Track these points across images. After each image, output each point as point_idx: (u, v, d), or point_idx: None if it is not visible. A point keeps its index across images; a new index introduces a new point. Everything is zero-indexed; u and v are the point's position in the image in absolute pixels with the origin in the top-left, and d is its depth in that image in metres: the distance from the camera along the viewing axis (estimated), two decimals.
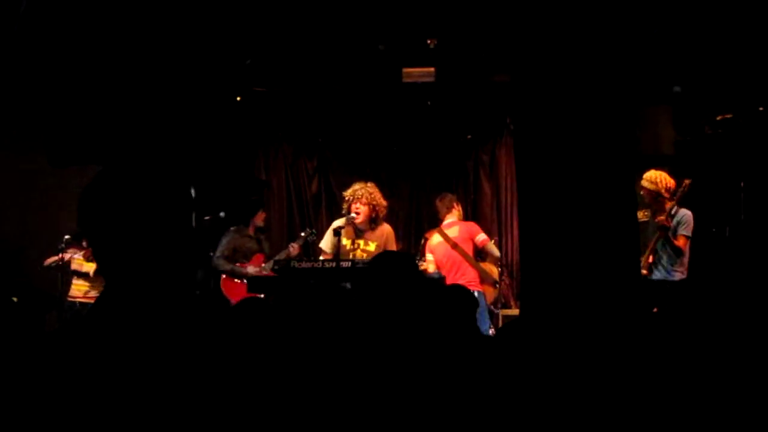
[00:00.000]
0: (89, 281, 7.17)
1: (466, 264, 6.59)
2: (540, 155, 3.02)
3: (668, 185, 6.00)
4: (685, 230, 5.83)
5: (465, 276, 6.50)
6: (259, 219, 7.03)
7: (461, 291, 3.33)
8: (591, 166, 2.93)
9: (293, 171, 8.87)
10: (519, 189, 3.31)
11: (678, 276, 5.88)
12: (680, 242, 5.78)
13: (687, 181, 5.78)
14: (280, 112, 8.42)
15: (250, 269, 6.76)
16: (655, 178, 5.95)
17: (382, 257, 3.05)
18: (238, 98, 7.59)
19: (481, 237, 6.69)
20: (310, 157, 8.91)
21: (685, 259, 5.90)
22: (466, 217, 8.75)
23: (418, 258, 6.92)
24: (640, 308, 3.08)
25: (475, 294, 6.03)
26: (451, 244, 6.67)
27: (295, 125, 8.67)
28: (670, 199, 5.88)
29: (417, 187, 9.02)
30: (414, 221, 8.94)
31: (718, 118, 6.69)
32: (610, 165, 2.96)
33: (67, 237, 6.94)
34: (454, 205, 6.89)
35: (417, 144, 8.82)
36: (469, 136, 8.82)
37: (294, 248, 6.92)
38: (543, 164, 3.00)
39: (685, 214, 5.84)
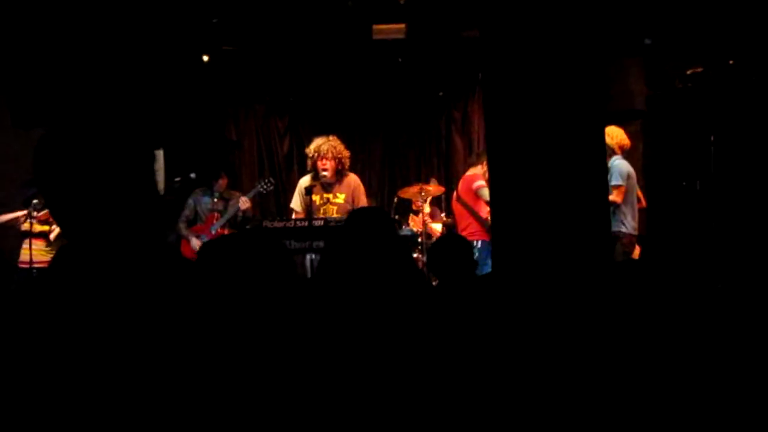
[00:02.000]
0: (49, 245, 6.79)
1: (467, 215, 6.57)
2: (509, 111, 2.99)
3: (622, 143, 6.08)
4: (614, 180, 5.88)
5: (468, 228, 6.52)
6: (221, 185, 6.79)
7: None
8: (561, 121, 2.91)
9: (264, 131, 8.79)
10: (488, 146, 3.29)
11: (626, 228, 5.94)
12: (611, 196, 5.78)
13: None
14: (249, 72, 8.30)
15: (193, 241, 6.58)
16: (611, 132, 5.99)
17: (357, 214, 3.02)
18: (205, 57, 7.46)
19: (477, 183, 6.52)
20: (281, 116, 8.83)
21: (625, 208, 5.95)
22: (439, 177, 8.76)
23: (391, 214, 6.93)
24: (607, 261, 3.09)
25: (477, 244, 6.18)
26: (455, 197, 6.76)
27: (265, 84, 8.57)
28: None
29: (389, 145, 9.00)
30: (387, 179, 8.93)
31: (689, 72, 6.69)
32: (580, 119, 2.94)
33: (35, 201, 6.74)
34: (476, 159, 6.80)
35: (389, 102, 8.76)
36: (441, 93, 8.77)
37: (244, 202, 6.61)
38: (512, 120, 2.98)
39: (614, 164, 5.91)
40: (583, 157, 2.93)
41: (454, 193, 6.83)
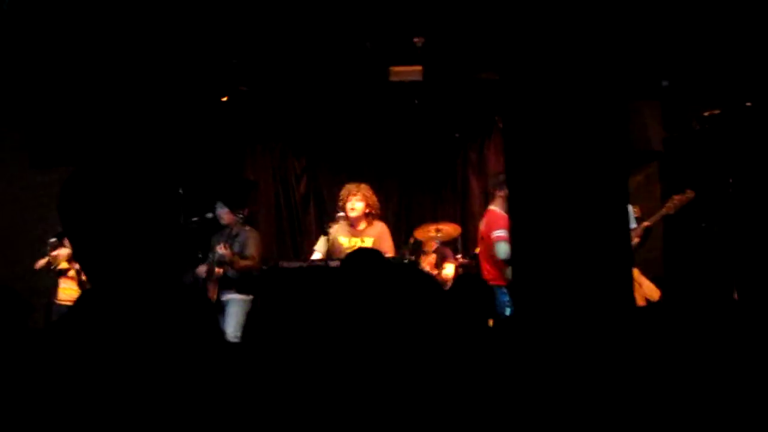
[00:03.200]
0: (77, 284, 7.02)
1: (486, 259, 6.21)
2: (529, 153, 2.98)
3: None
4: (632, 223, 5.83)
5: (487, 273, 6.16)
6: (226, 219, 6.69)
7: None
8: (582, 163, 2.90)
9: (281, 171, 8.82)
10: (509, 188, 3.27)
11: None
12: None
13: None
14: (267, 112, 8.37)
15: (200, 268, 6.60)
16: None
17: (353, 254, 3.06)
18: (224, 98, 7.53)
19: (496, 233, 6.00)
20: (297, 157, 8.87)
21: None
22: (455, 218, 8.74)
23: (405, 257, 6.90)
24: (630, 306, 3.06)
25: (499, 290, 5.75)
26: (479, 237, 6.44)
27: (282, 125, 8.63)
28: None
29: (406, 187, 9.01)
30: (404, 221, 8.92)
31: (706, 114, 6.69)
32: (602, 162, 2.93)
33: (52, 239, 6.84)
34: (495, 191, 6.31)
35: (405, 143, 8.80)
36: (458, 135, 8.80)
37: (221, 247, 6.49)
38: (533, 162, 2.96)
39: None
40: (606, 201, 2.91)
41: (481, 232, 6.60)
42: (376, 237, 6.33)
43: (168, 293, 1.63)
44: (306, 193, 8.83)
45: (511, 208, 3.21)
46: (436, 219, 8.43)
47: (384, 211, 8.66)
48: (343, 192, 6.39)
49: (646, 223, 5.80)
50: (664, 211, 5.81)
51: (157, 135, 6.77)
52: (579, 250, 2.83)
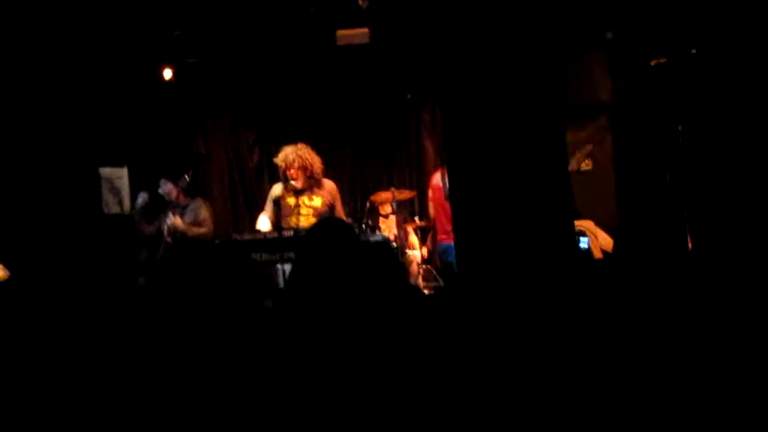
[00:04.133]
0: None
1: (443, 214, 6.19)
2: (465, 114, 2.97)
3: None
4: None
5: (443, 229, 6.19)
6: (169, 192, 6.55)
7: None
8: (518, 117, 2.89)
9: (232, 144, 8.71)
10: (445, 150, 3.26)
11: None
12: None
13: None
14: (214, 85, 8.23)
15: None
16: None
17: (319, 226, 3.00)
18: (168, 77, 7.36)
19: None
20: (248, 128, 8.76)
21: None
22: (411, 179, 8.73)
23: (363, 220, 6.89)
24: (573, 257, 3.07)
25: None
26: (431, 195, 6.45)
27: (230, 97, 8.49)
28: None
29: (359, 150, 8.95)
30: (358, 184, 8.88)
31: (653, 63, 6.72)
32: (538, 115, 2.92)
33: None
34: None
35: (357, 107, 8.72)
36: (409, 96, 8.74)
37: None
38: (468, 122, 2.95)
39: None
40: (544, 153, 2.91)
41: (431, 192, 6.59)
42: (324, 196, 6.27)
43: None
44: (259, 164, 8.73)
45: (450, 171, 3.20)
46: (391, 181, 8.42)
47: (338, 176, 8.63)
48: (280, 159, 6.23)
49: None
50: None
51: (97, 111, 6.62)
52: (521, 205, 2.83)
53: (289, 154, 6.18)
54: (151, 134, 7.75)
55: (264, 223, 6.31)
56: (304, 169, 6.16)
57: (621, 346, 2.59)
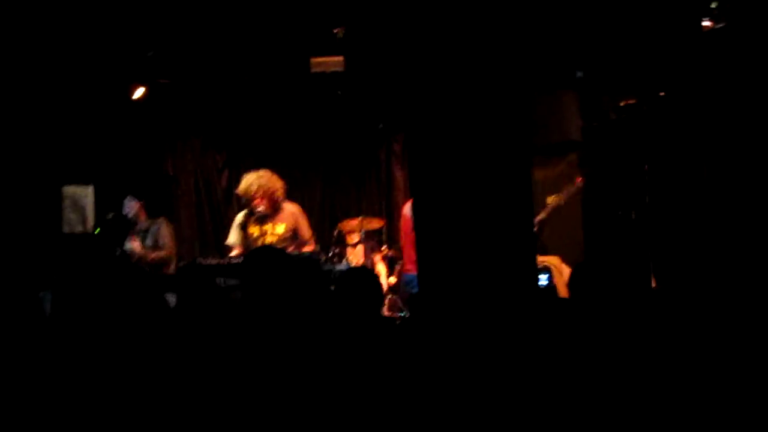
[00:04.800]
0: None
1: (411, 247, 5.93)
2: (431, 148, 2.98)
3: None
4: None
5: (409, 261, 6.12)
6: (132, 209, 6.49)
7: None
8: (485, 155, 2.90)
9: (202, 166, 8.65)
10: (411, 184, 3.27)
11: None
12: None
13: (579, 180, 5.87)
14: (186, 107, 8.19)
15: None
16: None
17: (252, 254, 3.05)
18: (139, 96, 7.31)
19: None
20: (219, 151, 8.71)
21: None
22: (380, 208, 8.73)
23: (330, 248, 6.85)
24: (534, 295, 3.08)
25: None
26: (402, 227, 6.38)
27: (202, 120, 8.45)
28: None
29: (329, 178, 8.95)
30: (328, 212, 8.86)
31: (622, 104, 6.80)
32: (505, 154, 2.94)
33: None
34: None
35: (328, 135, 8.73)
36: (381, 125, 8.77)
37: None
38: (435, 157, 2.96)
39: None
40: (510, 190, 2.92)
41: (401, 222, 6.59)
42: (289, 222, 6.23)
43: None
44: (228, 188, 8.67)
45: (414, 204, 3.20)
46: (360, 210, 8.41)
47: (307, 203, 8.60)
48: (242, 189, 6.21)
49: (538, 217, 5.87)
50: (555, 203, 5.93)
51: (63, 129, 6.55)
52: (483, 240, 2.83)
53: (252, 184, 6.16)
54: (119, 154, 7.68)
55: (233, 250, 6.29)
56: (267, 197, 6.14)
57: (578, 380, 2.58)
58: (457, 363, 2.32)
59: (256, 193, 6.08)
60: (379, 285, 3.49)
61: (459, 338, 2.49)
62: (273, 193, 6.16)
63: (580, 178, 5.86)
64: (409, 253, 6.30)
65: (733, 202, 6.13)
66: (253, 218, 6.14)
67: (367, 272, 3.64)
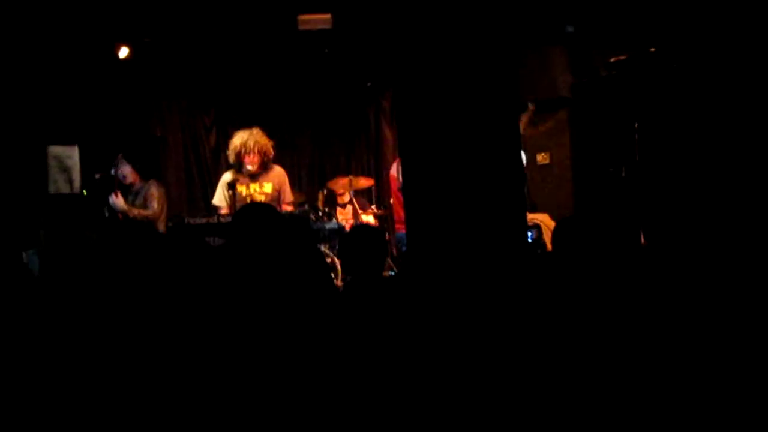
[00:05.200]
0: None
1: (401, 205, 6.02)
2: (419, 106, 2.95)
3: None
4: None
5: (400, 220, 6.17)
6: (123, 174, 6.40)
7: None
8: (470, 112, 2.88)
9: (189, 126, 8.57)
10: (400, 142, 3.24)
11: None
12: None
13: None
14: (172, 66, 8.08)
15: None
16: None
17: (243, 209, 3.01)
18: (125, 50, 7.20)
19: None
20: (206, 110, 8.62)
21: None
22: (369, 167, 8.70)
23: (319, 207, 6.83)
24: (523, 249, 3.08)
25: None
26: (398, 185, 6.36)
27: (189, 78, 8.35)
28: None
29: (318, 137, 8.90)
30: (317, 171, 8.82)
31: (612, 60, 6.75)
32: (492, 110, 2.91)
33: None
34: None
35: (317, 93, 8.65)
36: (369, 84, 8.69)
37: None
38: (422, 115, 2.93)
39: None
40: (497, 147, 2.90)
41: (392, 177, 6.53)
42: (275, 182, 6.23)
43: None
44: (216, 147, 8.61)
45: (403, 162, 3.18)
46: (350, 170, 8.38)
47: (296, 162, 8.56)
48: (238, 143, 6.17)
49: None
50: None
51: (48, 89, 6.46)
52: (473, 200, 2.82)
53: (248, 140, 6.13)
54: (105, 114, 7.60)
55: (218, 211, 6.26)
56: (261, 154, 6.13)
57: (566, 337, 2.59)
58: (446, 319, 2.32)
59: (252, 148, 6.06)
60: (385, 241, 3.46)
61: (447, 295, 2.48)
62: (266, 150, 6.15)
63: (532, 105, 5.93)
64: (398, 212, 6.32)
65: (722, 159, 6.13)
66: (241, 176, 6.12)
67: (373, 229, 3.61)
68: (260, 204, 3.00)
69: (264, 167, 6.20)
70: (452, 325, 2.32)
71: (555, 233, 3.19)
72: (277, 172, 6.33)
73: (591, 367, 2.47)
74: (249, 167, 6.08)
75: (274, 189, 6.20)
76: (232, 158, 6.23)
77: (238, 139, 6.18)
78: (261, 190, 6.15)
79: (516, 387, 2.17)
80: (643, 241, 6.03)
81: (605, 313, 2.72)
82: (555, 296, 2.69)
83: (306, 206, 6.81)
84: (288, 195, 6.34)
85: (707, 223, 5.92)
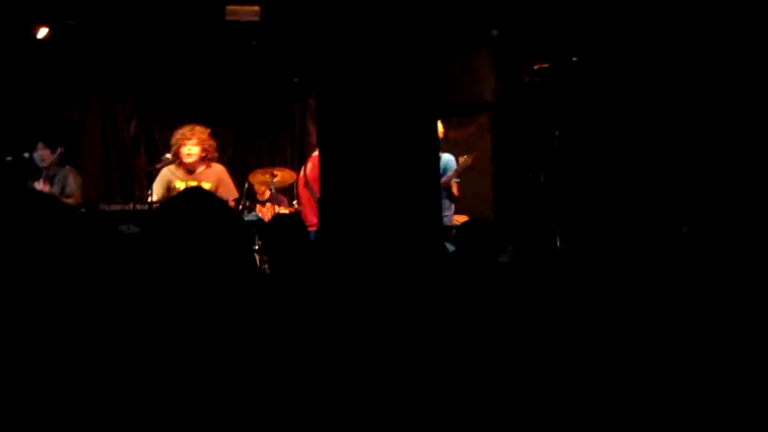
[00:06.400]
0: None
1: (310, 204, 6.10)
2: (340, 107, 2.96)
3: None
4: (455, 177, 6.07)
5: (309, 219, 5.96)
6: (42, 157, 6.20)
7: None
8: (391, 115, 2.90)
9: (109, 112, 8.36)
10: (319, 142, 3.24)
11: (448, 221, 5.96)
12: (454, 189, 6.05)
13: (475, 154, 6.01)
14: (94, 50, 7.87)
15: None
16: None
17: (185, 192, 2.93)
18: (44, 35, 6.98)
19: None
20: (127, 97, 8.43)
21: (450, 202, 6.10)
22: (292, 164, 8.63)
23: (240, 201, 6.75)
24: (440, 252, 3.11)
25: None
26: (302, 182, 6.37)
27: (111, 63, 8.14)
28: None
29: (242, 131, 8.79)
30: (240, 165, 8.71)
31: (536, 67, 6.89)
32: (411, 113, 2.94)
33: None
34: None
35: (242, 86, 8.55)
36: (296, 79, 8.64)
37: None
38: (342, 116, 2.94)
39: (446, 158, 6.01)
40: (415, 150, 2.93)
41: (301, 177, 6.48)
42: (214, 181, 6.15)
43: None
44: (136, 135, 8.43)
45: (322, 162, 3.18)
46: (272, 164, 8.29)
47: (219, 155, 8.43)
48: (177, 136, 6.12)
49: (447, 177, 5.97)
50: (464, 163, 6.07)
51: None
52: (389, 201, 2.83)
53: (188, 130, 6.08)
54: (21, 96, 7.36)
55: None
56: (201, 146, 6.07)
57: (466, 340, 2.62)
58: (351, 316, 2.32)
59: (191, 138, 6.00)
60: (306, 230, 3.42)
61: (355, 291, 2.48)
62: (206, 147, 6.11)
63: (471, 156, 6.03)
64: (306, 212, 6.28)
65: (638, 168, 6.31)
66: (179, 172, 6.02)
67: (294, 218, 3.58)
68: (201, 189, 2.95)
69: (205, 163, 6.10)
70: (359, 322, 2.32)
71: (457, 234, 3.24)
72: (216, 169, 6.26)
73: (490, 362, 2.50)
74: (187, 158, 5.99)
75: (212, 188, 6.07)
76: (172, 152, 6.12)
77: (180, 130, 6.12)
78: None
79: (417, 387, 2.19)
80: (559, 244, 6.19)
81: (506, 311, 2.77)
82: (455, 295, 2.72)
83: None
84: (229, 192, 6.24)
85: (620, 228, 6.10)
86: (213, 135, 7.43)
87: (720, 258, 3.85)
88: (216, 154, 6.32)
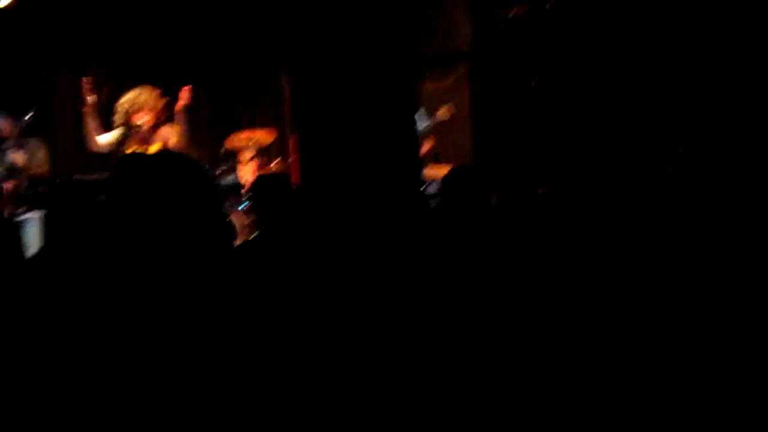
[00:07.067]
0: None
1: None
2: (314, 65, 2.91)
3: None
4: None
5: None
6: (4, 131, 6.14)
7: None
8: (365, 65, 2.86)
9: (80, 81, 8.17)
10: (293, 101, 3.19)
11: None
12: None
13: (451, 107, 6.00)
14: (62, 17, 7.69)
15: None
16: None
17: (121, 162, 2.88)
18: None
19: None
20: (98, 65, 8.25)
21: None
22: (270, 120, 8.55)
23: (218, 165, 6.68)
24: (418, 203, 3.09)
25: None
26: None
27: (79, 31, 7.96)
28: None
29: (216, 92, 8.67)
30: (216, 127, 8.60)
31: (510, 15, 6.80)
32: (387, 68, 2.90)
33: None
34: None
35: (214, 45, 8.41)
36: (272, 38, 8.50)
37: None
38: (316, 74, 2.89)
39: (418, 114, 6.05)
40: (392, 102, 2.90)
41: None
42: (164, 142, 6.02)
43: None
44: (108, 103, 8.26)
45: (296, 121, 3.13)
46: (251, 125, 8.19)
47: (194, 118, 8.30)
48: (127, 102, 5.94)
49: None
50: (444, 115, 6.08)
51: None
52: (368, 158, 2.80)
53: (137, 97, 5.87)
54: None
55: None
56: (153, 113, 5.90)
57: (465, 289, 2.59)
58: (339, 272, 2.30)
59: (142, 107, 5.81)
60: (291, 188, 3.37)
61: (340, 248, 2.46)
62: (158, 113, 5.90)
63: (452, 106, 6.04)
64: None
65: (618, 112, 6.28)
66: (130, 137, 5.88)
67: (277, 177, 3.51)
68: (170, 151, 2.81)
69: (155, 127, 5.96)
70: (349, 277, 2.29)
71: (444, 182, 3.19)
72: (165, 131, 6.06)
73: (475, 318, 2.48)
74: (137, 127, 5.83)
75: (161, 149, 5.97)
76: (119, 118, 5.94)
77: (128, 97, 5.93)
78: (150, 151, 5.93)
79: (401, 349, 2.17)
80: (540, 191, 6.18)
81: (494, 259, 2.74)
82: (448, 244, 2.69)
83: (206, 165, 6.62)
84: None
85: (600, 174, 6.09)
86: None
87: (701, 196, 3.85)
88: (164, 115, 6.10)
